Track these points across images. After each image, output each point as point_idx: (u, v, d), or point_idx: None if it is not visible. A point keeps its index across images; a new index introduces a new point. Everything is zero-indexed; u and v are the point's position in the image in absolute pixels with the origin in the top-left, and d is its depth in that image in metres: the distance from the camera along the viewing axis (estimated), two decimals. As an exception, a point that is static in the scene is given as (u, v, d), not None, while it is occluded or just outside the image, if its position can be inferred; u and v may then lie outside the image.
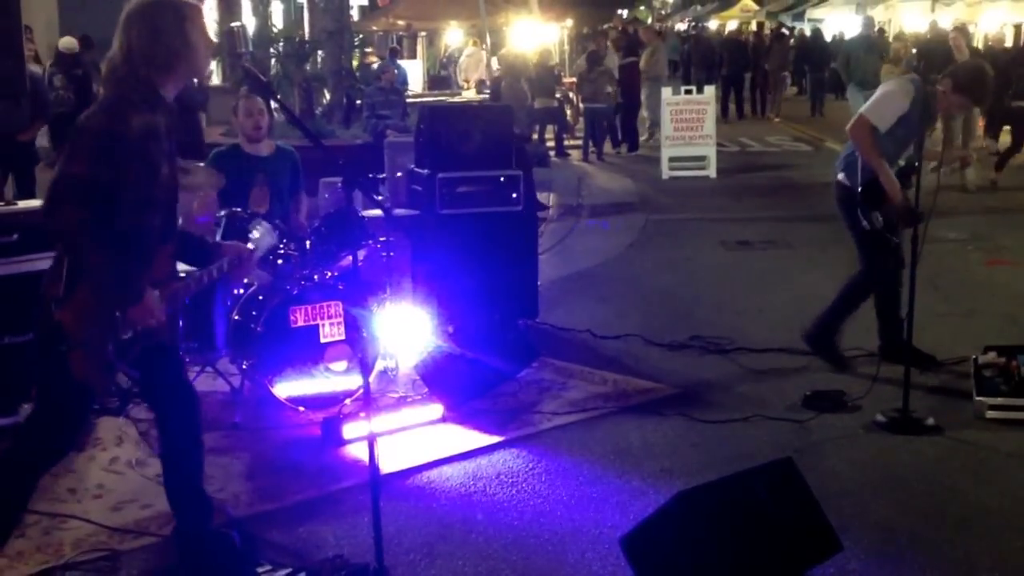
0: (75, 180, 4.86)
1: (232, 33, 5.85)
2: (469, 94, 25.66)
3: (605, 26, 45.07)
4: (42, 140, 22.40)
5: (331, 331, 7.81)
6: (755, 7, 61.29)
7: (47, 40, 22.29)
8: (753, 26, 46.45)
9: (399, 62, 25.33)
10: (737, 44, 33.00)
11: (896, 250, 8.43)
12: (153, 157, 5.05)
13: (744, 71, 32.06)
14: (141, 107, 5.01)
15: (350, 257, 8.02)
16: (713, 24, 62.31)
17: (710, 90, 21.57)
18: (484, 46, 25.64)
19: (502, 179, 9.68)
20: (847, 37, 28.13)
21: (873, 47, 21.62)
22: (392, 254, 8.70)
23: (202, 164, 8.16)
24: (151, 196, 5.09)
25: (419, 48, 30.08)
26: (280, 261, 7.93)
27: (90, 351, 4.99)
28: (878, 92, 8.53)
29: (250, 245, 6.00)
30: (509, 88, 20.67)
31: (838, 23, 44.11)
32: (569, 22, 45.78)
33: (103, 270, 4.92)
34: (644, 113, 24.93)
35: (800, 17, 52.54)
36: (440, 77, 30.74)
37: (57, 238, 5.03)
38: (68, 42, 18.40)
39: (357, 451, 7.18)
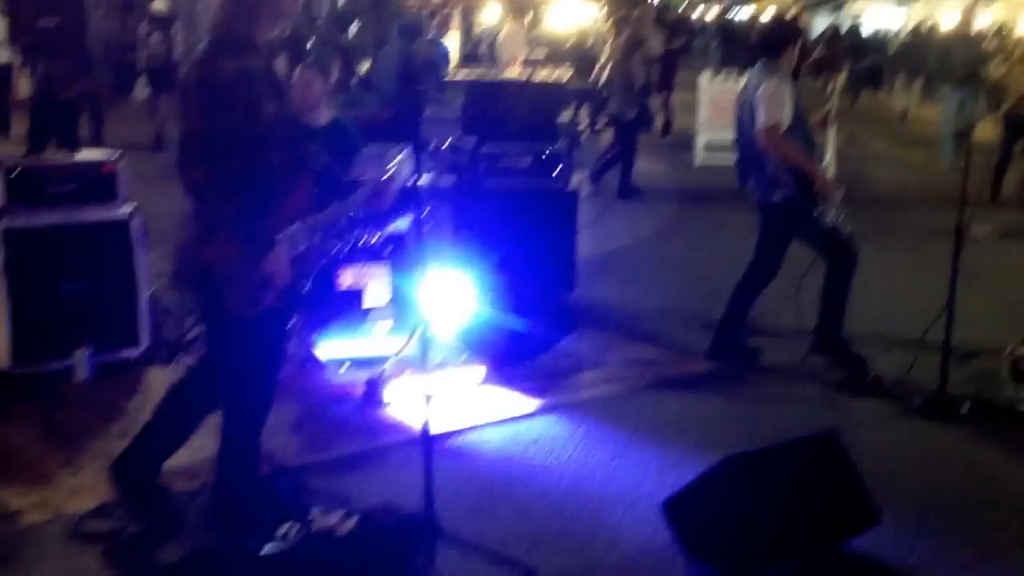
0: (194, 138, 5.16)
1: None
2: (512, 73, 25.53)
3: (636, 11, 44.98)
4: (142, 91, 22.85)
5: (376, 294, 7.96)
6: (791, -1, 61.01)
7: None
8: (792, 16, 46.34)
9: (440, 39, 25.41)
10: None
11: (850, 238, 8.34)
12: (252, 99, 5.24)
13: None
14: (232, 55, 5.23)
15: (397, 222, 8.17)
16: (748, 12, 62.05)
17: (743, 77, 21.54)
18: (523, 22, 25.62)
19: (545, 154, 9.84)
20: (892, 32, 28.06)
21: (971, 44, 21.19)
22: (436, 223, 8.85)
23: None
24: (260, 133, 5.27)
25: (456, 23, 30.02)
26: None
27: (239, 283, 5.26)
28: (760, 92, 8.15)
29: (388, 175, 6.16)
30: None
31: (877, 18, 44.01)
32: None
33: (237, 214, 5.17)
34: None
35: (840, 8, 52.27)
36: (474, 54, 30.74)
37: (191, 192, 5.27)
38: (160, 4, 19.46)
39: (400, 411, 7.36)
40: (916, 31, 32.64)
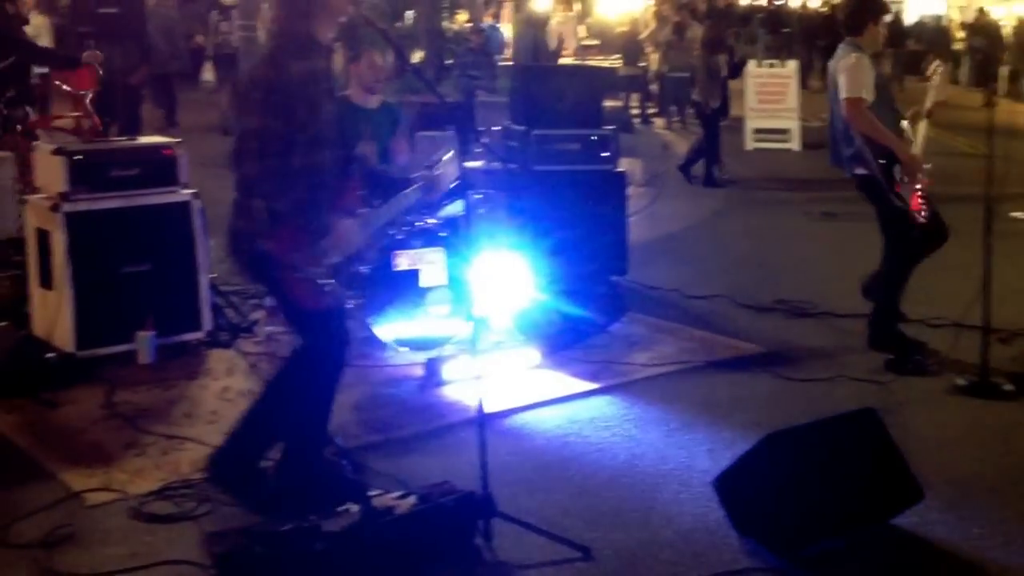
0: (253, 134, 5.33)
1: None
2: (566, 60, 25.65)
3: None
4: (208, 75, 23.15)
5: (432, 276, 8.08)
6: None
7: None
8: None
9: (496, 26, 25.55)
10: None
11: (933, 219, 8.28)
12: (314, 99, 5.44)
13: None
14: (298, 55, 5.40)
15: (452, 206, 8.30)
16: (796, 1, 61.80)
17: (792, 63, 21.60)
18: (574, 11, 25.71)
19: (594, 138, 9.97)
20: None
21: None
22: (489, 207, 8.97)
23: None
24: (317, 135, 5.46)
25: (507, 12, 30.05)
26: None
27: (300, 274, 5.43)
28: (841, 65, 8.22)
29: (439, 170, 6.28)
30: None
31: (918, 5, 43.80)
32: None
33: (293, 210, 5.34)
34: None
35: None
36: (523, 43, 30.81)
37: (245, 187, 5.43)
38: None
39: (458, 391, 7.50)
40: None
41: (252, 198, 5.40)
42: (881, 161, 8.05)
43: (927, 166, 8.17)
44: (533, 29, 21.10)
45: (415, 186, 6.19)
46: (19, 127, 8.87)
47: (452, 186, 7.40)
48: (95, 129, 8.32)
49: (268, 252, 5.41)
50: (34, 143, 8.50)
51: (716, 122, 17.04)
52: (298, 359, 5.87)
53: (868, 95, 8.07)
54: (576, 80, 10.44)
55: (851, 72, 8.10)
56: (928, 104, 8.29)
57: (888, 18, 9.09)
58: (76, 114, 8.49)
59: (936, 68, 8.43)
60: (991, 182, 7.82)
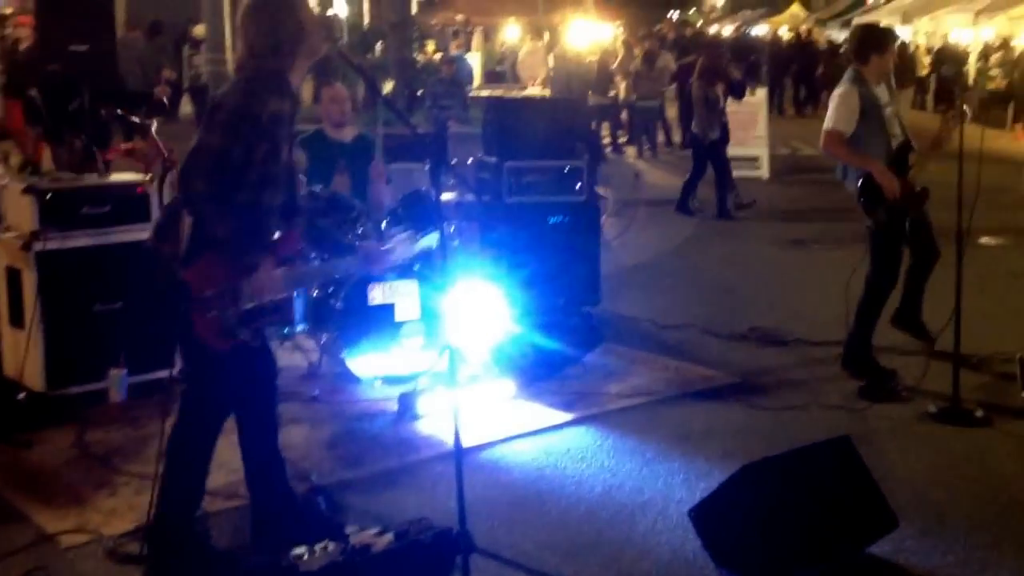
0: (209, 151, 5.21)
1: (327, 21, 6.14)
2: (534, 91, 25.72)
3: (656, 28, 45.18)
4: (186, 108, 23.04)
5: (407, 309, 8.06)
6: (804, 14, 61.10)
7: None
8: (803, 32, 46.30)
9: (464, 56, 25.63)
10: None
11: (920, 238, 8.64)
12: (278, 140, 5.35)
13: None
14: (274, 93, 5.32)
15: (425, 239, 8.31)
16: (763, 29, 62.16)
17: (761, 92, 21.66)
18: (542, 42, 25.80)
19: (566, 169, 9.99)
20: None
21: None
22: (462, 239, 8.98)
23: None
24: (272, 175, 5.35)
25: (475, 43, 30.19)
26: (359, 240, 8.20)
27: (212, 314, 5.25)
28: (833, 95, 8.61)
29: (388, 245, 6.20)
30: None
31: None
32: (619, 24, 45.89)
33: (226, 238, 5.21)
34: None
35: (848, 25, 52.26)
36: (495, 72, 30.92)
37: (186, 203, 5.30)
38: (201, 29, 20.61)
39: (432, 425, 7.48)
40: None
41: (194, 215, 5.27)
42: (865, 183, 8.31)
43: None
44: (566, 63, 21.10)
45: (352, 257, 6.12)
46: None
47: (400, 263, 7.36)
48: (164, 157, 8.26)
49: (184, 281, 5.27)
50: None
51: (720, 152, 16.74)
52: (185, 402, 5.70)
53: (846, 127, 8.37)
54: (548, 112, 10.47)
55: (834, 103, 8.53)
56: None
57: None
58: (138, 144, 8.43)
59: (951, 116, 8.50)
60: (961, 209, 7.85)
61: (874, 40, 8.71)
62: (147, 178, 8.40)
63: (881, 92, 8.54)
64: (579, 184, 9.96)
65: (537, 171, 9.91)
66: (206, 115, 5.40)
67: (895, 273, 8.59)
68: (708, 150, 16.67)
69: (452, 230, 8.85)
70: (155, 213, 8.00)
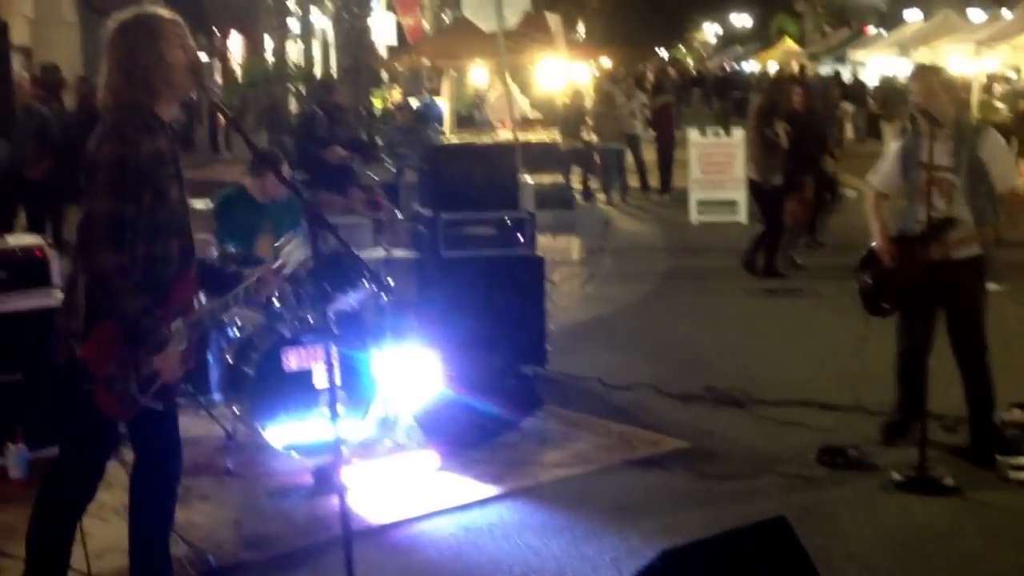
0: (103, 219, 4.85)
1: (198, 64, 5.70)
2: (505, 135, 25.32)
3: (640, 66, 45.16)
4: None
5: (326, 375, 7.59)
6: (797, 48, 61.22)
7: (72, 73, 22.33)
8: (795, 67, 46.14)
9: (433, 100, 25.29)
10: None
11: (915, 324, 7.85)
12: (162, 183, 5.00)
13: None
14: (143, 130, 4.94)
15: (348, 298, 7.88)
16: (754, 65, 62.35)
17: (739, 133, 21.19)
18: (511, 85, 25.45)
19: (508, 220, 9.48)
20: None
21: None
22: (391, 296, 8.52)
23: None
24: (164, 222, 5.03)
25: (445, 87, 29.84)
26: (275, 303, 7.77)
27: (114, 386, 4.97)
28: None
29: (279, 262, 5.87)
30: None
31: (879, 65, 43.81)
32: (605, 61, 45.80)
33: (133, 309, 4.89)
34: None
35: (842, 59, 52.26)
36: (468, 117, 30.58)
37: (96, 281, 4.92)
38: None
39: (350, 500, 6.95)
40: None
41: (100, 290, 4.91)
42: None
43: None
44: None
45: (244, 284, 5.73)
46: None
47: (298, 269, 6.93)
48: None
49: (81, 358, 4.93)
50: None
51: (778, 202, 15.13)
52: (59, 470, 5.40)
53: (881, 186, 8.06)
54: (488, 159, 9.96)
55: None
56: None
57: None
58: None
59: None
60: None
61: None
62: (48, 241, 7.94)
63: None
64: (522, 235, 9.46)
65: (476, 222, 9.41)
66: (84, 179, 4.97)
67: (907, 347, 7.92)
68: (771, 196, 15.23)
69: (383, 288, 8.38)
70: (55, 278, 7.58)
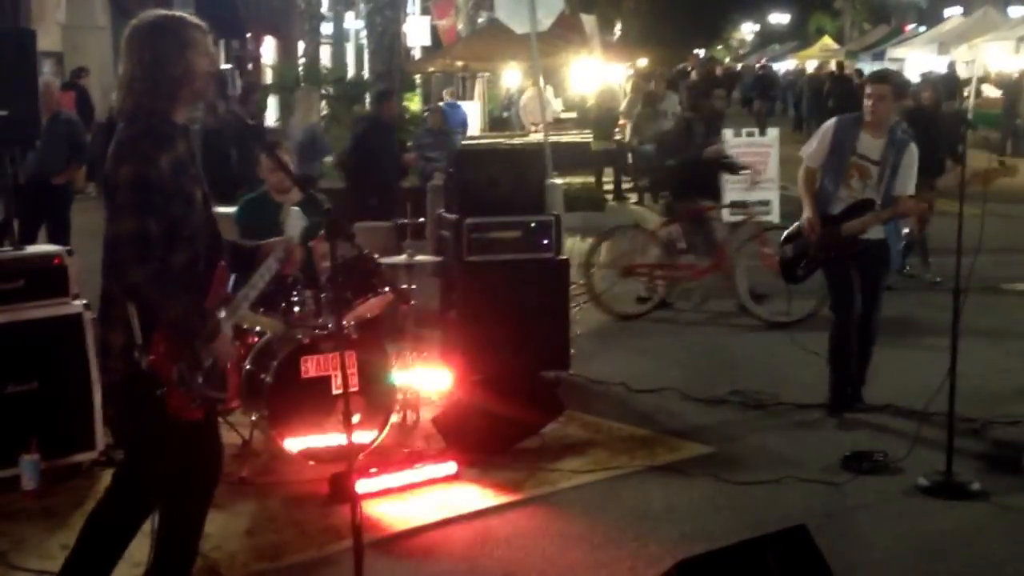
0: (128, 239, 4.79)
1: (221, 73, 5.67)
2: (537, 137, 25.22)
3: (679, 66, 44.79)
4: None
5: (344, 382, 7.50)
6: (835, 46, 60.77)
7: (100, 82, 22.39)
8: (832, 65, 45.75)
9: (459, 103, 25.13)
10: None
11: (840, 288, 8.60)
12: (187, 188, 4.97)
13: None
14: (162, 142, 4.88)
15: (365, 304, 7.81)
16: (792, 64, 61.95)
17: (773, 132, 20.98)
18: (544, 86, 25.34)
19: (533, 224, 9.39)
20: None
21: None
22: (413, 302, 8.43)
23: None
24: (194, 226, 5.02)
25: (478, 89, 29.79)
26: (295, 308, 7.71)
27: (183, 387, 4.96)
28: None
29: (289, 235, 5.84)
30: None
31: (919, 63, 43.43)
32: (643, 61, 45.56)
33: (177, 312, 4.86)
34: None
35: (880, 56, 51.83)
36: (501, 119, 30.47)
37: (131, 296, 4.88)
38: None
39: (367, 508, 6.87)
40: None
41: (127, 308, 4.86)
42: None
43: None
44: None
45: (269, 261, 5.68)
46: None
47: (305, 234, 6.85)
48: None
49: (150, 367, 4.87)
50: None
51: None
52: (118, 484, 5.24)
53: (808, 158, 8.85)
54: (514, 162, 9.87)
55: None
56: None
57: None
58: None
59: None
60: (961, 255, 7.27)
61: None
62: (66, 249, 7.85)
63: None
64: (547, 240, 9.35)
65: (500, 227, 9.31)
66: (105, 199, 4.91)
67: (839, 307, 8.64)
68: None
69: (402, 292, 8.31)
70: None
